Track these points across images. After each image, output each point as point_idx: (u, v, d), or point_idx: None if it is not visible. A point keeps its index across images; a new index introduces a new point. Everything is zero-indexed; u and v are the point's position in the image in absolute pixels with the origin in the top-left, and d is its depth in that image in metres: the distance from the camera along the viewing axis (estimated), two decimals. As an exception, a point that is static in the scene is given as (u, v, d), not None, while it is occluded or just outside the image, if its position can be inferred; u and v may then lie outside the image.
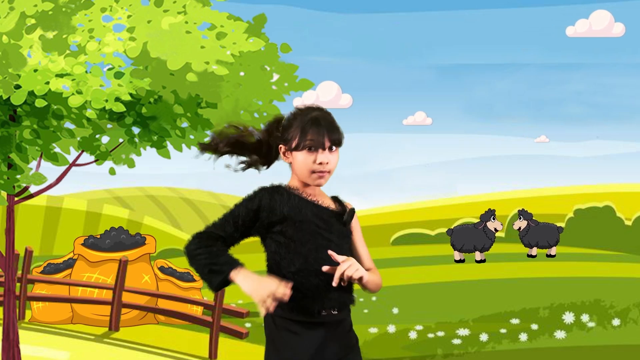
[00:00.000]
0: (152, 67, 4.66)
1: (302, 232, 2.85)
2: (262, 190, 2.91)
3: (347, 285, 2.86)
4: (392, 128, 15.06)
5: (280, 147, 2.97)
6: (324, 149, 2.88)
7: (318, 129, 2.88)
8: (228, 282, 2.76)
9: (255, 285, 2.69)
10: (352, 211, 3.00)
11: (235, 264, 2.77)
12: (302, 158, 2.90)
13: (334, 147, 2.92)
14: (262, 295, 2.66)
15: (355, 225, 3.05)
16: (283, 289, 2.68)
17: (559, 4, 14.41)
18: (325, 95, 14.12)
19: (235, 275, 2.73)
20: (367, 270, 2.95)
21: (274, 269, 2.87)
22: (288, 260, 2.84)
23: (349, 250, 2.97)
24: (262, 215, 2.86)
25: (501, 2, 15.10)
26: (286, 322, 2.84)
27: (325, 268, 2.80)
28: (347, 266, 2.78)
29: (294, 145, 2.90)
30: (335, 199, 3.03)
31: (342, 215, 2.95)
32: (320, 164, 2.88)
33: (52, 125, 5.36)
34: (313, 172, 2.89)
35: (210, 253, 2.81)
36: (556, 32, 14.23)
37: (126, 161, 5.76)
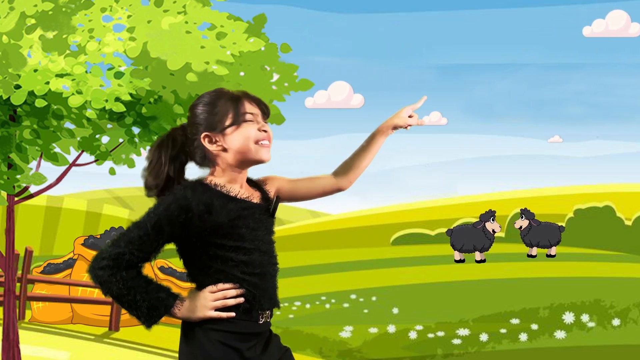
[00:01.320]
0: (152, 67, 4.66)
1: (237, 237, 2.51)
2: (186, 190, 2.50)
3: (275, 279, 2.62)
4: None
5: (203, 138, 2.55)
6: (264, 119, 2.59)
7: (250, 99, 2.59)
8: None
9: (195, 305, 2.49)
10: (277, 200, 2.67)
11: (173, 297, 2.50)
12: (244, 131, 2.54)
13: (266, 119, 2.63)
14: (209, 307, 2.48)
15: (279, 186, 2.71)
16: (230, 290, 2.48)
17: (575, 2, 14.40)
18: (336, 95, 14.10)
19: (178, 310, 2.51)
20: (328, 179, 2.75)
21: (206, 281, 2.55)
22: (219, 273, 2.53)
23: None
24: (192, 221, 2.47)
25: (501, 2, 15.09)
26: (220, 335, 2.54)
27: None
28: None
29: (228, 122, 2.55)
30: (255, 184, 2.68)
31: (268, 207, 2.62)
32: (265, 131, 2.56)
33: (52, 125, 5.36)
34: (257, 142, 2.55)
35: (137, 287, 2.47)
36: (572, 32, 14.22)
37: (126, 161, 5.76)
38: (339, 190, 2.79)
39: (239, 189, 2.58)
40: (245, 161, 2.58)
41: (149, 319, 2.53)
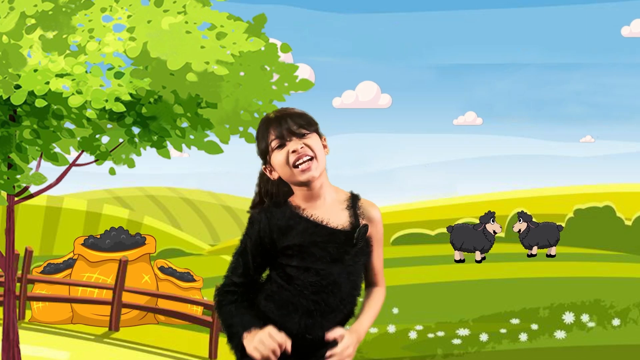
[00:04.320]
0: (152, 67, 4.66)
1: (305, 261, 2.53)
2: (261, 214, 2.59)
3: (340, 317, 2.59)
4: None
5: (264, 169, 2.63)
6: (290, 138, 2.55)
7: (277, 123, 2.56)
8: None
9: (256, 343, 2.46)
10: (364, 228, 2.59)
11: (247, 326, 2.52)
12: (278, 159, 2.56)
13: (304, 133, 2.57)
14: (264, 352, 2.44)
15: (375, 235, 2.67)
16: (283, 339, 2.46)
17: (613, 0, 14.37)
18: (364, 95, 14.09)
19: (246, 340, 2.50)
20: (374, 285, 2.72)
21: (273, 301, 2.58)
22: (280, 290, 2.56)
23: (360, 278, 2.65)
24: (265, 242, 2.55)
25: (501, 2, 15.09)
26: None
27: (328, 335, 2.52)
28: (345, 352, 2.51)
29: (265, 153, 2.59)
30: (352, 202, 2.64)
31: (352, 234, 2.57)
32: (294, 151, 2.53)
33: (52, 125, 5.36)
34: (294, 166, 2.54)
35: (229, 312, 2.56)
36: (611, 31, 14.21)
37: (126, 161, 5.76)
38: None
39: (321, 207, 2.59)
40: (298, 184, 2.59)
41: (231, 339, 2.59)
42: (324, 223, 2.57)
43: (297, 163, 2.53)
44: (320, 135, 2.61)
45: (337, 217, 2.60)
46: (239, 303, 2.57)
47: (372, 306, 2.71)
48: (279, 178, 2.62)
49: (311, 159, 2.55)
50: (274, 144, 2.56)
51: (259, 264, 2.59)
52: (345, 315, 2.63)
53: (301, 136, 2.55)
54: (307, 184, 2.58)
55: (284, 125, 2.56)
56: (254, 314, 2.55)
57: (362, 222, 2.62)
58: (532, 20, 14.82)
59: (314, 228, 2.55)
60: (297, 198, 2.61)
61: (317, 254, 2.53)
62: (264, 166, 2.63)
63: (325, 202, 2.61)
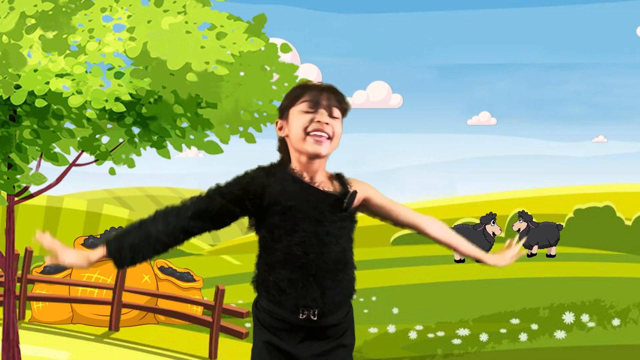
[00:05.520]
0: (152, 67, 4.66)
1: (291, 220, 2.51)
2: (258, 169, 2.59)
3: (338, 284, 2.57)
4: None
5: (276, 124, 2.63)
6: (322, 110, 2.52)
7: (318, 89, 2.55)
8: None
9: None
10: (354, 194, 2.61)
11: (106, 240, 2.61)
12: (296, 118, 2.53)
13: (336, 113, 2.56)
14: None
15: (371, 194, 2.72)
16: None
17: (613, 0, 14.37)
18: (375, 95, 14.08)
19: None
20: (422, 221, 2.80)
21: (260, 254, 2.61)
22: (270, 249, 2.56)
23: (350, 236, 2.66)
24: (250, 196, 2.53)
25: (501, 2, 15.09)
26: (265, 315, 2.60)
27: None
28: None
29: (289, 108, 2.56)
30: (338, 178, 2.67)
31: (342, 199, 2.58)
32: (319, 122, 2.51)
33: (52, 125, 5.36)
34: (308, 133, 2.52)
35: (143, 222, 2.63)
36: (612, 31, 14.21)
37: (126, 161, 5.76)
38: (420, 231, 2.86)
39: (315, 179, 2.59)
40: (301, 152, 2.56)
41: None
42: (317, 185, 2.58)
43: (314, 132, 2.52)
44: (343, 118, 2.62)
45: (327, 185, 2.62)
46: (148, 224, 2.57)
47: (458, 238, 2.87)
48: (282, 140, 2.62)
49: (328, 138, 2.54)
50: (303, 105, 2.52)
51: (223, 212, 2.55)
52: (341, 282, 2.59)
53: (331, 114, 2.54)
54: (310, 156, 2.57)
55: (323, 95, 2.53)
56: (134, 243, 2.55)
57: (351, 189, 2.64)
58: (532, 20, 14.82)
59: (307, 188, 2.55)
60: (294, 163, 2.61)
61: (307, 212, 2.51)
62: (278, 120, 2.62)
63: (317, 174, 2.62)
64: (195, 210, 2.55)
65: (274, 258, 2.55)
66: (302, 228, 2.52)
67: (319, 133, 2.52)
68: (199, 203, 2.55)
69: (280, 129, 2.61)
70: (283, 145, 2.65)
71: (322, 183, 2.61)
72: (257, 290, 2.62)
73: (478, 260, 2.88)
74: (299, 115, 2.53)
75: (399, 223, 2.83)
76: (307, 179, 2.57)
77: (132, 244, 2.55)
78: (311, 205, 2.53)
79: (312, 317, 2.54)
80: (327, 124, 2.52)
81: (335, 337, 2.62)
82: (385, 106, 13.92)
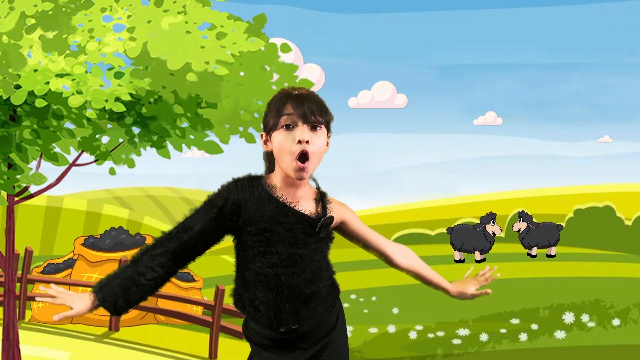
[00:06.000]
0: (152, 67, 4.66)
1: (265, 242, 2.49)
2: (233, 184, 2.53)
3: (307, 297, 2.55)
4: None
5: (261, 136, 2.57)
6: (302, 124, 2.44)
7: (297, 102, 2.45)
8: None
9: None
10: (330, 219, 2.57)
11: (97, 286, 2.66)
12: (279, 139, 2.47)
13: (317, 127, 2.48)
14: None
15: (348, 218, 2.70)
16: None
17: (613, 0, 14.36)
18: (380, 95, 14.06)
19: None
20: (392, 248, 2.82)
21: (236, 269, 2.64)
22: (244, 267, 2.58)
23: (326, 253, 2.65)
24: (226, 216, 2.50)
25: (501, 2, 15.08)
26: (252, 333, 2.65)
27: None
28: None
29: (270, 123, 2.49)
30: (321, 198, 2.61)
31: (317, 223, 2.54)
32: (300, 142, 2.43)
33: (52, 125, 5.36)
34: (294, 156, 2.45)
35: (122, 268, 2.65)
36: (612, 31, 14.21)
37: (126, 161, 5.76)
38: (386, 258, 2.89)
39: (294, 197, 2.54)
40: (285, 170, 2.51)
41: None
42: (292, 205, 2.52)
43: (297, 157, 2.46)
44: (328, 130, 2.54)
45: (306, 205, 2.56)
46: (134, 265, 2.63)
47: (424, 267, 2.90)
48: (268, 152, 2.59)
49: (309, 159, 2.48)
50: (284, 119, 2.45)
51: (205, 235, 2.57)
52: (316, 297, 2.58)
53: (313, 127, 2.47)
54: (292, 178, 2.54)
55: (304, 108, 2.45)
56: (125, 283, 2.61)
57: (330, 214, 2.59)
58: (532, 20, 14.81)
59: (282, 209, 2.50)
60: (276, 176, 2.56)
61: (281, 234, 2.49)
62: (262, 133, 2.57)
63: (298, 191, 2.56)
64: (177, 247, 2.67)
65: (248, 277, 2.56)
66: (275, 250, 2.50)
67: (301, 160, 2.46)
68: (176, 239, 2.66)
69: (265, 142, 2.58)
70: (269, 156, 2.62)
71: (301, 200, 2.56)
72: (235, 304, 2.66)
73: (443, 290, 2.98)
74: (280, 133, 2.47)
75: (368, 248, 2.87)
76: (284, 197, 2.53)
77: (129, 300, 2.68)
78: (285, 228, 2.50)
79: (292, 327, 2.56)
80: (307, 142, 2.45)
81: (327, 332, 2.65)
82: (390, 106, 13.91)
